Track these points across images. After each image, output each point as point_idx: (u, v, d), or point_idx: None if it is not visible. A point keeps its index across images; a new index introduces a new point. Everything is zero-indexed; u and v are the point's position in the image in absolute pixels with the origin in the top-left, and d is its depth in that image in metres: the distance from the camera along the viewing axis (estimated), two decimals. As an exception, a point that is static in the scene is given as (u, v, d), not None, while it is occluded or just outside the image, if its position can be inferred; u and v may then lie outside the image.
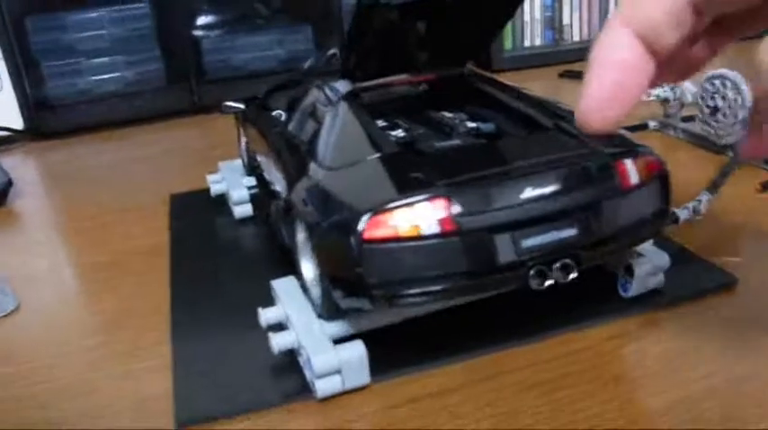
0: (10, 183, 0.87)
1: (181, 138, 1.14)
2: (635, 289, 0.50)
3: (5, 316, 0.59)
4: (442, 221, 0.39)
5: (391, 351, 0.46)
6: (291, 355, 0.47)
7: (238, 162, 0.80)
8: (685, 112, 0.85)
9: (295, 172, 0.49)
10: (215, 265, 0.63)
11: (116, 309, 0.59)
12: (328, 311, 0.45)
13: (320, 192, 0.45)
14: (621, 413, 0.41)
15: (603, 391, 0.43)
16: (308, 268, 0.48)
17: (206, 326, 0.53)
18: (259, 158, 0.67)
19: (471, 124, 0.52)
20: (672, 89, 0.82)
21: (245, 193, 0.71)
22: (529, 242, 0.41)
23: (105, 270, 0.66)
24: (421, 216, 0.39)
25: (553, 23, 1.33)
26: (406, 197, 0.40)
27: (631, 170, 0.44)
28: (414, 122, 0.54)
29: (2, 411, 0.47)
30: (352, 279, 0.40)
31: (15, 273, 0.66)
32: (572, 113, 0.49)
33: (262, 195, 0.67)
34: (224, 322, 0.53)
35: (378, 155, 0.45)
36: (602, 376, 0.44)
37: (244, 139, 0.76)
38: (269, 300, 0.50)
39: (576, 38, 1.34)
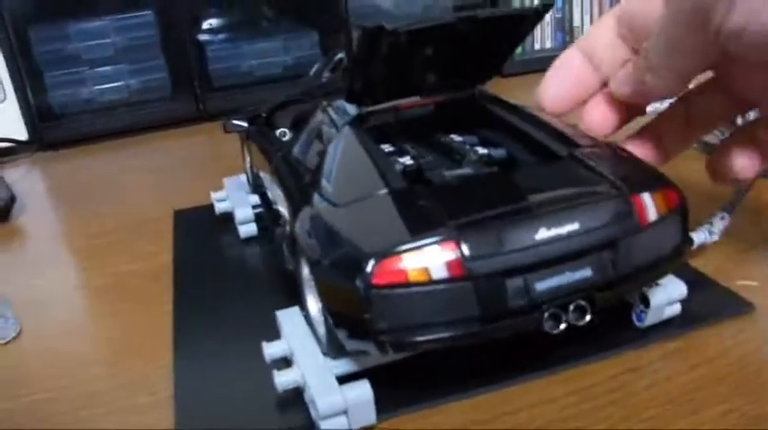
0: (12, 200, 0.86)
1: (186, 147, 1.12)
2: (650, 319, 0.49)
3: (6, 343, 0.57)
4: (451, 265, 0.37)
5: (396, 387, 0.45)
6: (297, 390, 0.45)
7: (243, 178, 0.78)
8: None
9: (299, 202, 0.47)
10: (220, 289, 0.62)
11: (118, 337, 0.57)
12: (333, 350, 0.44)
13: (325, 227, 0.43)
14: (635, 458, 0.39)
15: (616, 433, 0.41)
16: (313, 303, 0.46)
17: (209, 358, 0.52)
18: (263, 178, 0.66)
19: (482, 150, 0.50)
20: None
21: (249, 212, 0.70)
22: (543, 285, 0.39)
23: (108, 293, 0.65)
24: (430, 260, 0.37)
25: (563, 25, 1.31)
26: (416, 240, 0.38)
27: (649, 205, 0.42)
28: (422, 147, 0.53)
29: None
30: (359, 323, 0.38)
31: (18, 296, 0.65)
32: (589, 139, 0.48)
33: (266, 215, 0.65)
34: (228, 352, 0.52)
35: (385, 191, 0.43)
36: (612, 416, 0.42)
37: (248, 157, 0.74)
38: (274, 328, 0.49)
39: (587, 40, 1.31)
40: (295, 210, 0.47)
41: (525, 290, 0.39)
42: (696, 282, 0.53)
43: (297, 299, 0.50)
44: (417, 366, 0.46)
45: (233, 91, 1.21)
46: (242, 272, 0.66)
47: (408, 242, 0.38)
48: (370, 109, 0.51)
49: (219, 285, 0.62)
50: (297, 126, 0.60)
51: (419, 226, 0.39)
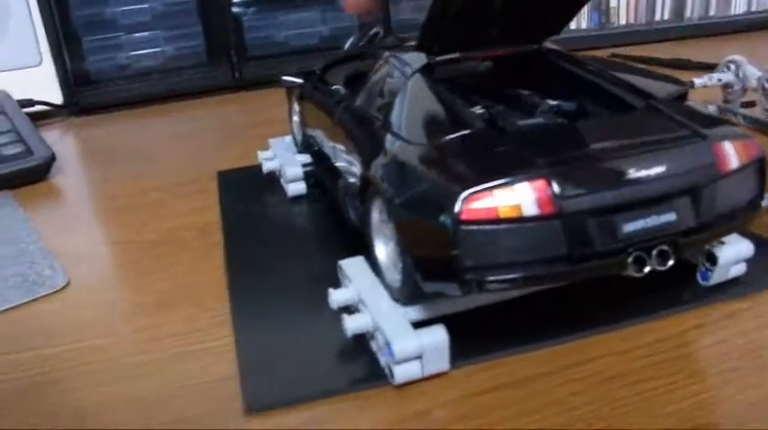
0: (53, 158, 0.87)
1: (222, 114, 1.12)
2: (716, 277, 0.48)
3: (55, 292, 0.57)
4: (542, 203, 0.37)
5: (469, 335, 0.44)
6: (357, 339, 0.45)
7: (289, 139, 0.78)
8: (745, 98, 0.82)
9: (370, 148, 0.47)
10: (271, 244, 0.62)
11: (169, 288, 0.57)
12: (407, 295, 0.43)
13: (404, 168, 0.42)
14: (709, 410, 0.39)
15: (689, 385, 0.41)
16: (382, 250, 0.46)
17: (267, 308, 0.51)
18: (317, 134, 0.66)
19: (552, 102, 0.50)
20: (736, 74, 0.79)
21: (299, 171, 0.70)
22: (629, 227, 0.39)
23: (156, 248, 0.65)
24: (521, 197, 0.37)
25: (600, 6, 1.30)
26: (507, 176, 0.37)
27: (731, 153, 0.42)
28: (490, 99, 0.52)
29: (44, 393, 0.45)
30: (444, 261, 0.38)
31: (63, 250, 0.65)
32: (669, 90, 0.47)
33: (321, 172, 0.65)
34: (284, 303, 0.52)
35: (468, 131, 0.42)
36: (686, 369, 0.42)
37: (296, 115, 0.74)
38: (326, 281, 0.49)
39: (623, 21, 1.31)
40: (367, 155, 0.47)
41: (612, 230, 0.38)
42: (759, 244, 0.53)
43: (350, 252, 0.50)
44: (489, 314, 0.45)
45: (269, 60, 1.21)
46: (292, 228, 0.66)
47: (499, 178, 0.37)
48: (439, 59, 0.50)
49: (271, 240, 0.62)
50: (353, 81, 0.60)
51: (508, 163, 0.38)
